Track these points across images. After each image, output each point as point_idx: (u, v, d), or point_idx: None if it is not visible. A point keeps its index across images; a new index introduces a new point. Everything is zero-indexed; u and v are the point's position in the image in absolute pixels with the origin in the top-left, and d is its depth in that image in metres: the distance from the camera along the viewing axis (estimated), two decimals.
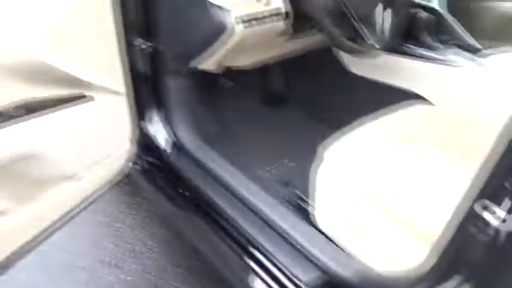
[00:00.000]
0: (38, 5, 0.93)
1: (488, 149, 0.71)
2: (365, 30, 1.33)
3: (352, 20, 1.30)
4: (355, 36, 1.35)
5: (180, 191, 1.40)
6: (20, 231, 1.07)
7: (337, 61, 1.77)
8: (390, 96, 1.54)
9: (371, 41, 1.33)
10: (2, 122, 0.91)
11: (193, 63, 1.44)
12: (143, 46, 1.33)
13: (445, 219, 0.80)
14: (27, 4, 0.92)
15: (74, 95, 1.03)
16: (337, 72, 1.77)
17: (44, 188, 1.07)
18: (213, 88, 1.79)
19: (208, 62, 1.44)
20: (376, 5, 1.34)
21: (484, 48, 1.49)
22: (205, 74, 1.52)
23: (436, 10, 1.68)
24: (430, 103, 1.46)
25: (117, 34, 1.12)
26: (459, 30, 1.64)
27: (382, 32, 1.37)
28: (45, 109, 0.97)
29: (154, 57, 1.37)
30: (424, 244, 0.87)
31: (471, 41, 1.60)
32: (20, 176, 1.02)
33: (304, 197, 1.32)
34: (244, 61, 1.60)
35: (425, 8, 1.65)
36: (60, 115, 1.00)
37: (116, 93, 1.15)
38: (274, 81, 2.03)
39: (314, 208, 1.18)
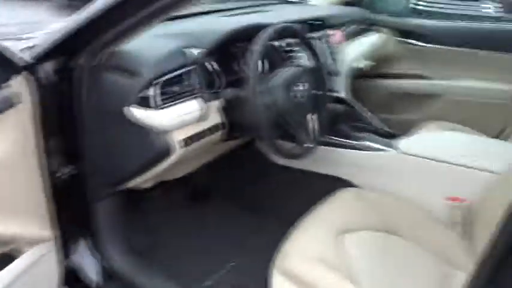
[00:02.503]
0: None
1: None
2: (299, 134, 1.42)
3: (288, 127, 1.38)
4: (290, 140, 1.44)
5: None
6: None
7: (260, 153, 1.83)
8: (314, 183, 1.68)
9: (306, 143, 1.44)
10: None
11: (126, 186, 1.37)
12: (64, 175, 1.24)
13: None
14: None
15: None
16: (262, 164, 1.82)
17: None
18: (141, 202, 1.71)
19: (141, 181, 1.37)
20: (307, 113, 1.45)
21: (396, 134, 1.71)
22: (133, 190, 1.43)
23: (346, 100, 1.90)
24: (358, 186, 1.60)
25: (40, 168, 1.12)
26: (368, 117, 1.88)
27: (313, 133, 1.48)
28: None
29: (78, 185, 1.28)
30: None
31: (381, 126, 1.84)
32: None
33: None
34: (178, 173, 1.57)
35: (338, 99, 1.86)
36: None
37: (44, 239, 1.14)
38: (201, 181, 2.03)
39: None
